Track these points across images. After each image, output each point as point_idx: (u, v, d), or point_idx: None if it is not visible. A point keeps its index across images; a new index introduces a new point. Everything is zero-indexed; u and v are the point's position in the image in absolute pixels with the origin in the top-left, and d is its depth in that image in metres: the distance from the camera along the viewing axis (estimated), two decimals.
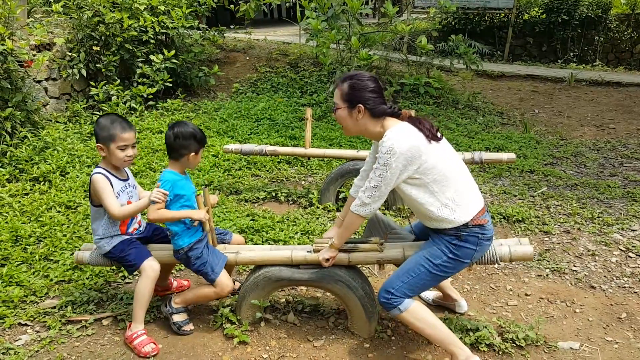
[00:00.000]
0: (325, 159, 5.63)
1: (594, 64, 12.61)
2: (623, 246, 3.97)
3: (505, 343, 2.81)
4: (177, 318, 2.88)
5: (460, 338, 2.78)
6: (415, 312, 2.50)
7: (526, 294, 3.35)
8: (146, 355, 2.66)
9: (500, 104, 8.89)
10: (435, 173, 2.38)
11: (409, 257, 2.60)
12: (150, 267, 2.76)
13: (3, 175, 4.69)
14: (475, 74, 10.15)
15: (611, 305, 3.25)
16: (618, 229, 4.25)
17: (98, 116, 2.88)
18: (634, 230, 4.23)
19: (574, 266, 3.70)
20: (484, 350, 2.77)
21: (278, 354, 2.73)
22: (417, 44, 6.85)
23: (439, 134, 2.47)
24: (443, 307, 3.16)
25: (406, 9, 11.09)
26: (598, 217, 4.45)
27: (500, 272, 3.64)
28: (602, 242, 4.04)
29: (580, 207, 4.65)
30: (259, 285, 2.84)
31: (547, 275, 3.59)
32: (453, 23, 13.39)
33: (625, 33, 12.66)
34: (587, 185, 5.24)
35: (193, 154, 2.70)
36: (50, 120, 5.97)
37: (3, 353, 2.68)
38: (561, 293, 3.36)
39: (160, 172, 2.86)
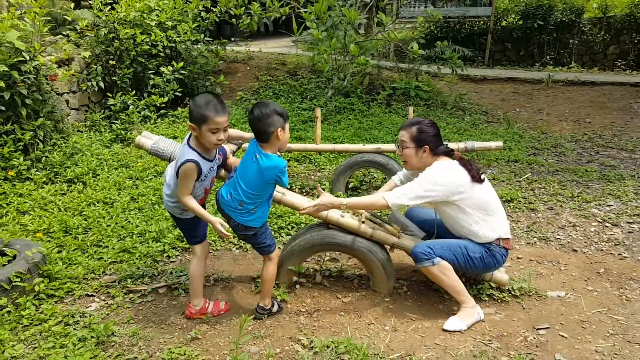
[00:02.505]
0: (331, 157, 6.18)
1: (570, 65, 13.36)
2: (600, 218, 4.55)
3: (503, 293, 3.36)
4: (275, 309, 3.19)
5: None
6: (442, 267, 3.04)
7: (518, 257, 3.91)
8: (225, 310, 3.18)
9: (485, 104, 9.53)
10: (473, 203, 3.03)
11: None
12: (201, 247, 3.14)
13: (40, 178, 5.14)
14: (459, 78, 10.79)
15: (591, 263, 3.81)
16: (595, 204, 4.84)
17: (196, 95, 2.86)
18: (609, 206, 4.81)
19: (558, 235, 4.27)
20: (485, 300, 3.31)
21: (314, 308, 3.24)
22: (409, 50, 7.44)
23: (483, 177, 3.08)
24: None
25: (392, 19, 11.72)
26: (577, 196, 5.04)
27: None
28: (582, 215, 4.62)
29: (561, 188, 5.24)
30: (294, 253, 3.35)
31: (535, 242, 4.15)
32: (436, 31, 14.10)
33: (598, 36, 13.44)
34: (567, 170, 5.85)
35: (280, 129, 2.75)
36: (73, 130, 6.42)
37: (80, 316, 3.14)
38: (548, 256, 3.92)
39: None
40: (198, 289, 3.15)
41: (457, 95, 9.26)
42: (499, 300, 3.31)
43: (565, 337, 2.92)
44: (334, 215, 3.25)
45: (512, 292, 3.37)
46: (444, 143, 3.18)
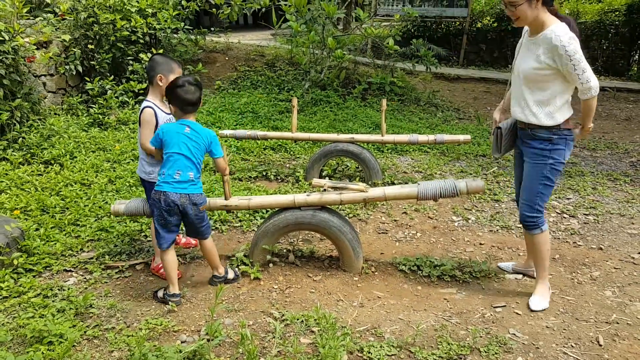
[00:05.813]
0: (306, 146, 6.34)
1: None
2: (559, 210, 4.81)
3: (465, 275, 3.57)
4: (230, 276, 3.42)
5: (429, 272, 3.55)
6: (546, 235, 3.21)
7: (480, 243, 4.13)
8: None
9: (457, 102, 9.80)
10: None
11: (389, 195, 3.35)
12: None
13: (16, 158, 5.17)
14: (433, 76, 11.05)
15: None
16: (556, 197, 5.11)
17: (153, 55, 3.45)
18: (568, 199, 5.08)
19: (519, 224, 4.50)
20: (447, 280, 3.52)
21: (285, 286, 3.40)
22: (385, 45, 7.64)
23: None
24: (521, 273, 3.63)
25: (370, 15, 11.92)
26: None
27: (459, 229, 4.41)
28: None
29: None
30: (269, 233, 3.50)
31: (497, 230, 4.38)
32: (412, 30, 14.34)
33: None
34: None
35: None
36: (50, 112, 6.44)
37: (58, 289, 3.24)
38: (508, 242, 4.15)
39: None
40: (154, 245, 3.47)
41: (431, 92, 9.50)
42: (461, 281, 3.53)
43: (520, 314, 3.14)
44: (301, 197, 3.42)
45: (473, 274, 3.58)
46: None
